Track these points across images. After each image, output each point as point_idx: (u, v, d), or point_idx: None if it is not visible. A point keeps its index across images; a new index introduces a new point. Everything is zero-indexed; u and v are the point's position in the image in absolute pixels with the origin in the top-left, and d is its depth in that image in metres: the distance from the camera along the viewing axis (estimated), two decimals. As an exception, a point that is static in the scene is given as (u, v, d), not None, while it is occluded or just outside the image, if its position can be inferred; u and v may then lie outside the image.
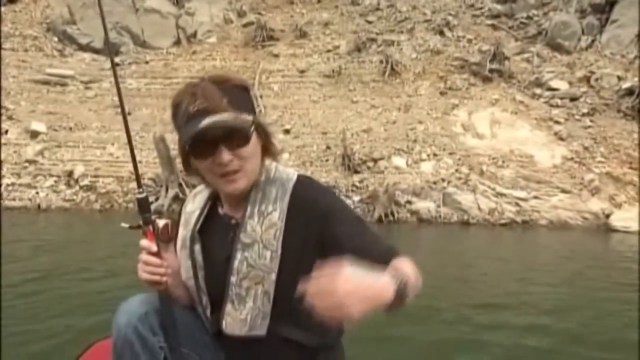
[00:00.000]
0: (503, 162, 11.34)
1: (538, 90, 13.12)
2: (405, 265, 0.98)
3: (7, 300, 3.81)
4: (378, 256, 0.98)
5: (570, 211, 10.28)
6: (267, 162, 1.16)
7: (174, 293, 1.16)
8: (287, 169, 1.18)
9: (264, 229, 1.09)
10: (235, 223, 1.14)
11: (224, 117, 1.03)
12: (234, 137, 1.05)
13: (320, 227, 1.07)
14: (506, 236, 9.50)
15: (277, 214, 1.10)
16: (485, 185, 10.75)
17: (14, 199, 10.52)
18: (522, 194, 10.60)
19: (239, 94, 1.09)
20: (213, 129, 1.03)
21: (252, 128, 1.07)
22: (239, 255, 1.10)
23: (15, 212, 10.07)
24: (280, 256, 1.09)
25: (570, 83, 13.13)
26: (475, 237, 9.45)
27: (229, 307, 1.11)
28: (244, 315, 1.10)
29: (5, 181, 10.77)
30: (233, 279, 1.10)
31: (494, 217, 10.22)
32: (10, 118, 12.27)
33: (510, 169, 11.19)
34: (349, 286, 0.83)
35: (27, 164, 11.24)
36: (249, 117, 1.07)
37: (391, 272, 0.92)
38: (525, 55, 14.19)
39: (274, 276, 1.08)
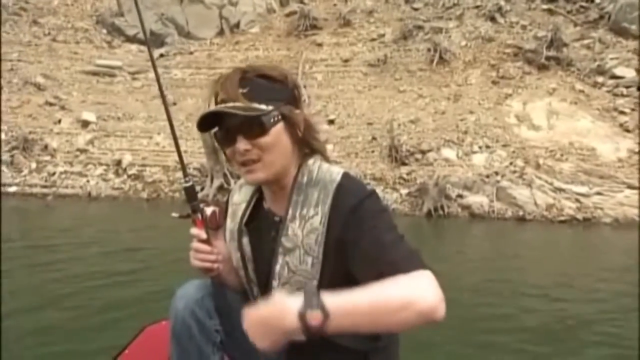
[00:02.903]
0: (562, 155, 10.63)
1: (600, 79, 12.22)
2: (384, 283, 0.89)
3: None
4: (387, 267, 0.93)
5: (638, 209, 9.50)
6: (311, 161, 1.12)
7: (225, 279, 1.18)
8: (331, 168, 1.12)
9: (305, 234, 1.07)
10: (279, 220, 1.12)
11: (229, 105, 1.03)
12: (251, 126, 1.04)
13: (352, 234, 1.03)
14: (566, 234, 8.90)
15: (318, 219, 1.06)
16: (542, 180, 10.11)
17: (66, 187, 10.79)
18: (583, 189, 9.89)
19: (262, 84, 1.06)
20: (228, 119, 1.05)
21: (272, 118, 1.04)
22: (280, 260, 1.09)
23: (68, 199, 10.34)
24: (321, 262, 1.06)
25: (637, 70, 12.15)
26: (531, 234, 8.90)
27: None
28: None
29: (58, 169, 11.08)
30: (275, 283, 1.10)
31: (552, 213, 9.60)
32: (63, 108, 12.62)
33: (570, 162, 10.48)
34: (248, 321, 0.90)
35: (78, 153, 11.52)
36: (266, 107, 1.04)
37: (309, 296, 0.86)
38: (586, 41, 13.26)
39: (315, 283, 1.06)
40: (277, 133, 1.06)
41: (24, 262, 4.94)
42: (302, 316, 0.84)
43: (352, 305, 0.86)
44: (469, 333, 3.47)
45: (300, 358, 1.09)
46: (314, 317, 0.84)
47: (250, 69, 1.08)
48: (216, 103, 1.07)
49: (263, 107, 1.04)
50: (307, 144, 1.12)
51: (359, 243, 1.00)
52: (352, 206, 1.03)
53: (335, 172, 1.10)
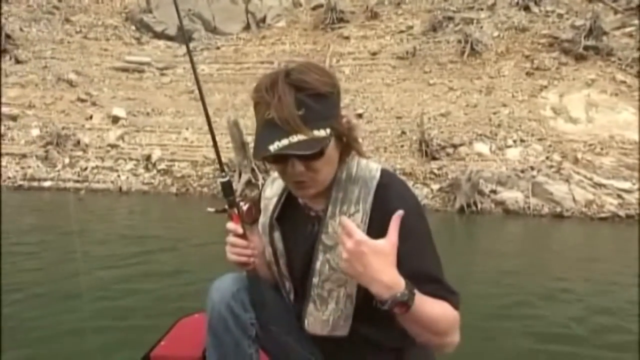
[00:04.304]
0: (602, 149, 10.17)
1: (643, 69, 11.63)
2: (441, 306, 0.99)
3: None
4: (428, 284, 1.00)
5: (686, 205, 9.00)
6: (349, 157, 1.11)
7: (261, 273, 1.18)
8: (369, 164, 1.11)
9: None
10: (315, 215, 1.12)
11: (295, 140, 0.97)
12: (311, 155, 1.02)
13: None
14: (607, 232, 8.49)
15: (359, 216, 1.06)
16: (580, 175, 9.69)
17: (98, 182, 10.98)
18: (625, 184, 9.44)
19: (318, 102, 1.00)
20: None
21: (328, 140, 1.02)
22: (320, 257, 1.09)
23: (99, 194, 10.51)
24: None
25: (683, 59, 11.52)
26: (569, 231, 8.53)
27: (311, 307, 1.12)
28: (327, 316, 1.11)
29: (90, 164, 11.27)
30: (315, 280, 1.10)
31: (591, 210, 9.19)
32: (94, 104, 12.84)
33: (611, 156, 10.01)
34: (364, 250, 0.93)
35: (109, 148, 11.70)
36: (324, 133, 1.00)
37: (410, 288, 0.94)
38: (627, 30, 12.64)
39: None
40: (330, 151, 1.04)
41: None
42: (393, 301, 0.93)
43: (424, 316, 0.96)
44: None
45: (337, 353, 1.14)
46: (400, 308, 0.93)
47: (299, 81, 1.00)
48: (263, 117, 1.01)
49: (322, 133, 1.00)
50: (349, 147, 1.10)
51: (402, 252, 0.98)
52: (392, 209, 1.00)
53: (374, 169, 1.10)
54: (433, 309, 0.97)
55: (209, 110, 1.26)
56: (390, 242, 0.95)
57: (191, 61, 1.29)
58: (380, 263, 0.93)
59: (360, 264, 0.93)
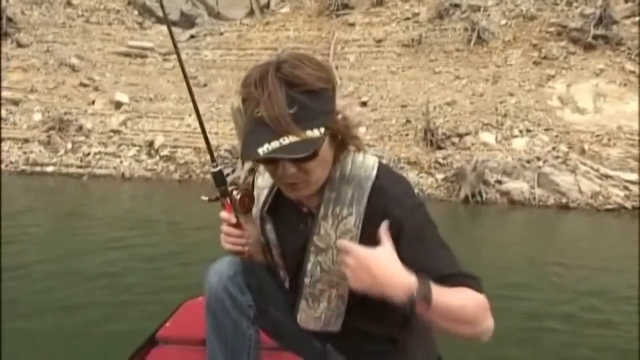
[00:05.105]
0: (609, 140, 10.06)
1: (653, 59, 11.46)
2: (461, 293, 0.94)
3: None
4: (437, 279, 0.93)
5: (694, 198, 8.93)
6: (343, 154, 1.05)
7: (257, 258, 1.19)
8: (365, 161, 1.05)
9: (338, 235, 1.03)
10: (308, 212, 1.09)
11: (286, 143, 0.90)
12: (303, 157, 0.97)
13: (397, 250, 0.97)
14: (613, 224, 8.44)
15: (352, 220, 1.02)
16: (587, 166, 9.60)
17: (100, 167, 10.92)
18: (632, 176, 9.35)
19: (311, 99, 0.93)
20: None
21: (322, 140, 0.95)
22: (312, 259, 1.07)
23: (102, 179, 10.46)
24: None
25: (694, 50, 11.34)
26: (575, 222, 8.48)
27: (303, 304, 1.12)
28: (319, 313, 1.11)
29: (93, 150, 11.21)
30: (307, 280, 1.09)
31: (597, 201, 9.12)
32: (96, 89, 12.73)
33: (618, 147, 9.91)
34: (366, 261, 0.90)
35: (112, 134, 11.62)
36: (318, 133, 0.93)
37: (423, 282, 0.90)
38: (638, 19, 12.41)
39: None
40: (324, 151, 0.98)
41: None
42: (412, 299, 0.88)
43: (446, 307, 0.90)
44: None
45: (332, 340, 1.16)
46: (421, 306, 0.89)
47: (292, 76, 0.92)
48: (252, 114, 0.94)
49: (316, 134, 0.93)
50: (344, 144, 1.04)
51: (407, 260, 0.94)
52: (397, 220, 0.97)
53: (370, 167, 1.04)
54: (454, 296, 0.92)
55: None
56: (386, 246, 0.93)
57: (174, 44, 1.22)
58: (385, 267, 0.91)
59: (368, 275, 0.91)
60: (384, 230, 0.95)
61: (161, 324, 1.78)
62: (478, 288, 0.96)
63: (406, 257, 0.94)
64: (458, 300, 0.92)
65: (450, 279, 0.95)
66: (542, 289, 4.16)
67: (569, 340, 3.08)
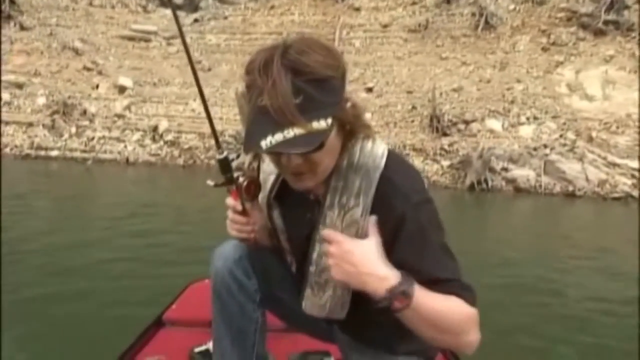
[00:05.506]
0: (617, 127, 9.94)
1: (664, 46, 11.26)
2: (449, 300, 0.90)
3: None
4: (436, 284, 0.91)
5: (703, 187, 8.84)
6: (351, 142, 1.00)
7: (264, 243, 1.18)
8: (374, 150, 1.00)
9: (344, 226, 0.99)
10: (315, 199, 1.05)
11: (290, 136, 0.86)
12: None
13: (390, 236, 0.95)
14: (619, 212, 8.38)
15: (359, 211, 0.98)
16: (594, 154, 9.51)
17: (105, 152, 10.92)
18: (640, 164, 9.26)
19: (318, 88, 0.87)
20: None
21: (329, 130, 0.90)
22: (317, 248, 1.05)
23: (107, 164, 10.46)
24: None
25: None
26: (581, 211, 8.42)
27: (308, 292, 1.10)
28: (324, 302, 1.09)
29: (97, 134, 11.20)
30: (312, 269, 1.07)
31: (604, 189, 9.05)
32: (100, 73, 12.67)
33: (626, 135, 9.79)
34: (349, 252, 0.91)
35: (116, 118, 11.59)
36: (325, 124, 0.88)
37: (407, 279, 0.88)
38: (650, 4, 12.17)
39: None
40: (331, 141, 0.94)
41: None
42: (392, 293, 0.86)
43: (430, 308, 0.88)
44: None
45: (340, 326, 1.16)
46: (401, 302, 0.87)
47: (298, 64, 0.86)
48: (255, 103, 0.88)
49: (323, 125, 0.88)
50: (353, 133, 1.00)
51: (404, 257, 0.93)
52: (400, 215, 0.94)
53: (379, 156, 0.99)
54: (440, 302, 0.89)
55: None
56: (372, 239, 0.93)
57: (179, 28, 1.15)
58: (368, 259, 0.90)
59: (350, 264, 0.90)
60: (372, 223, 0.95)
61: (167, 306, 1.79)
62: (471, 301, 0.92)
63: (402, 254, 0.92)
64: (443, 307, 0.89)
65: (443, 285, 0.91)
66: (549, 280, 4.12)
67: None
